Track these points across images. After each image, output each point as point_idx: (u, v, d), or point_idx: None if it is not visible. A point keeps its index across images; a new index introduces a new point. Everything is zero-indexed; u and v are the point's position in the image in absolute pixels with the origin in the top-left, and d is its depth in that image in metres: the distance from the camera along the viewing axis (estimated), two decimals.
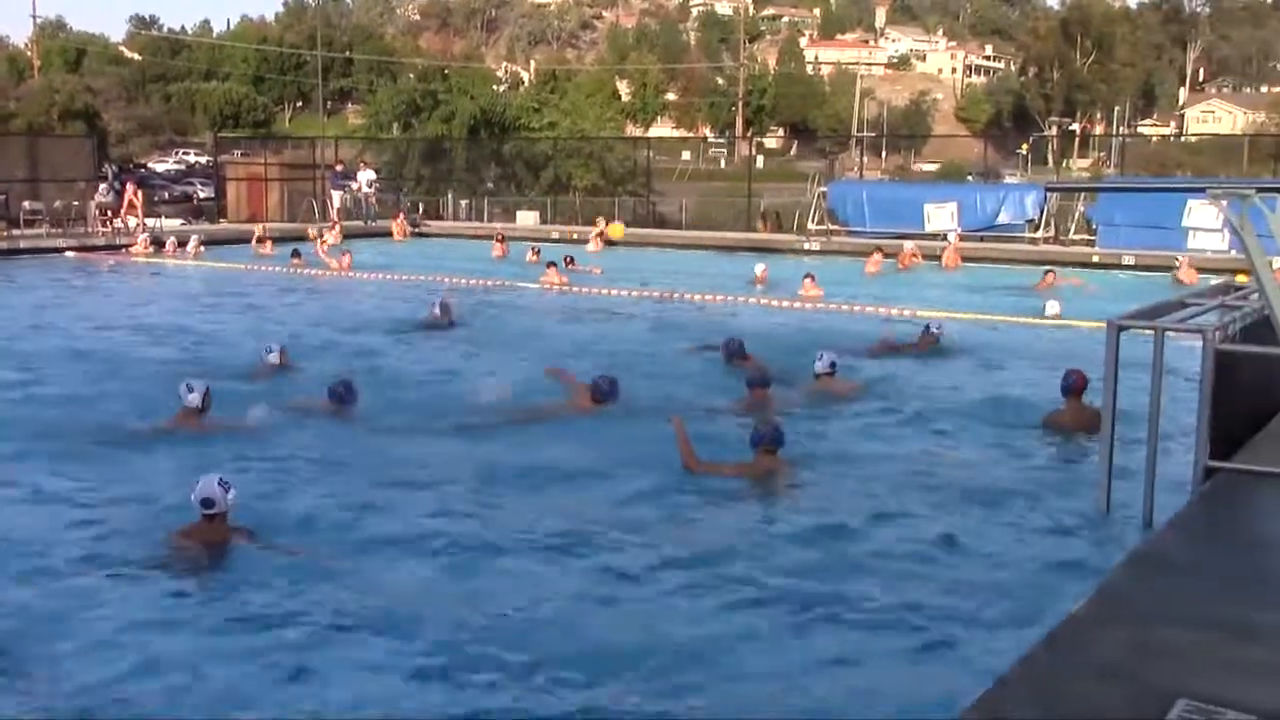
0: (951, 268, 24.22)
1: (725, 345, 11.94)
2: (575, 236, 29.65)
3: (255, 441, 8.54)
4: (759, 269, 20.93)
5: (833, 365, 10.40)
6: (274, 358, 11.11)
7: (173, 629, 5.40)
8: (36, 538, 6.60)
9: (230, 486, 6.34)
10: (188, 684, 4.86)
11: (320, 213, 33.13)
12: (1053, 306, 16.17)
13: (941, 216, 27.91)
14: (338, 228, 27.05)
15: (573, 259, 22.97)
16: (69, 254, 24.50)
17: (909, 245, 24.94)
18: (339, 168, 35.54)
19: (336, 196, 33.56)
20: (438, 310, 14.85)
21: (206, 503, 6.26)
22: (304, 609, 5.59)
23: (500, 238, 27.21)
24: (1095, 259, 24.80)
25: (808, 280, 18.62)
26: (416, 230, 32.57)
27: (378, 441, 8.81)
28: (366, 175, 34.42)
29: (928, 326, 13.43)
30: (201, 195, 39.28)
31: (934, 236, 26.94)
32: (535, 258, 23.52)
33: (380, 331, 14.46)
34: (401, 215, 33.42)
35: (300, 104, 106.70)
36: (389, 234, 31.15)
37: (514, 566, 6.24)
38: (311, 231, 27.11)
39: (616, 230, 23.52)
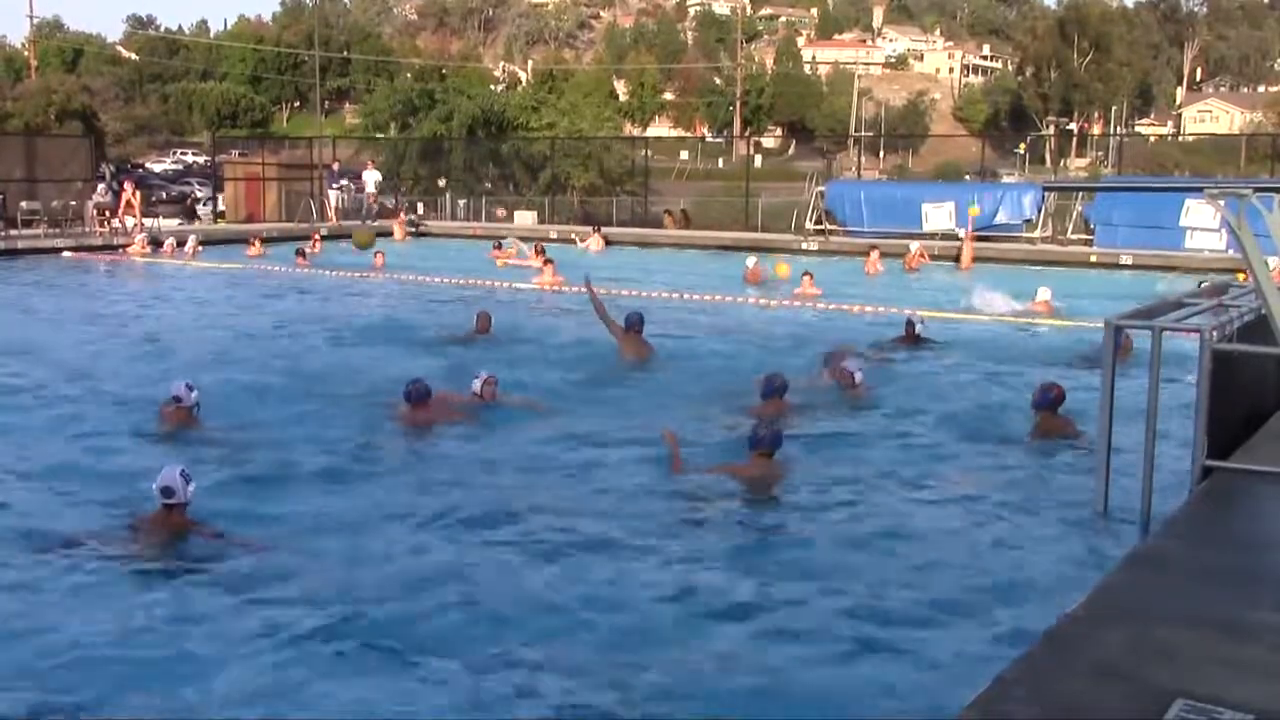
0: (967, 267, 24.01)
1: (626, 317, 12.23)
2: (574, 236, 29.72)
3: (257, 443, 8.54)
4: (751, 262, 21.10)
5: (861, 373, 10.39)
6: (477, 385, 9.70)
7: (121, 617, 5.38)
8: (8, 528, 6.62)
9: (191, 478, 6.30)
10: (129, 672, 4.84)
11: (318, 212, 33.05)
12: None
13: (939, 216, 27.90)
14: (319, 244, 26.30)
15: (543, 249, 22.86)
16: (66, 254, 24.47)
17: (915, 245, 24.86)
18: (335, 167, 35.43)
19: (334, 196, 33.46)
20: (474, 322, 14.06)
21: (166, 491, 6.22)
22: (257, 605, 5.53)
23: (498, 244, 26.25)
24: (1093, 259, 24.78)
25: (806, 279, 18.63)
26: (416, 230, 32.50)
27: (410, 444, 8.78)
28: (373, 175, 34.27)
29: (909, 320, 13.42)
30: (199, 195, 39.18)
31: (932, 236, 26.91)
32: (538, 256, 23.54)
33: (389, 337, 14.22)
34: (401, 214, 33.33)
35: (298, 104, 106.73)
36: (390, 234, 31.07)
37: (493, 563, 6.21)
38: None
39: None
